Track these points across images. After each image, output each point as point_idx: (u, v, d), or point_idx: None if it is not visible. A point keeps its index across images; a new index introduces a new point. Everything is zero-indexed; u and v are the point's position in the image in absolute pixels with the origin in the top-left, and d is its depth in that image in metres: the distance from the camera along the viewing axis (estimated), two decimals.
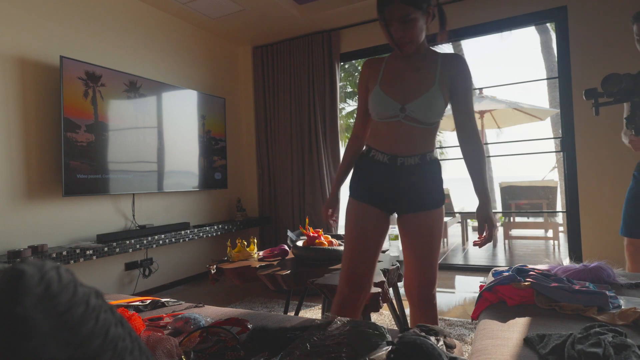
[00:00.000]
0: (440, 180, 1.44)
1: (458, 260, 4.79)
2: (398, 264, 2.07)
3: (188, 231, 3.43)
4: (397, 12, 1.26)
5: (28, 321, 0.39)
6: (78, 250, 2.59)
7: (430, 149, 1.41)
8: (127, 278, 3.28)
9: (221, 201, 4.31)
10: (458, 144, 1.46)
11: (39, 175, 2.73)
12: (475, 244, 1.38)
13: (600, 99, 1.84)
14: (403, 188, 1.39)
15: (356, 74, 12.13)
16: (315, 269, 2.02)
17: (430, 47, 1.44)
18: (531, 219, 6.54)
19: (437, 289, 3.29)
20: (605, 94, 1.79)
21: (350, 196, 1.48)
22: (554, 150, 6.49)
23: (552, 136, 7.82)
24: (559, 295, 1.30)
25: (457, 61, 1.38)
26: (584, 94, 1.88)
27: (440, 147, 12.96)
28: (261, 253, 2.48)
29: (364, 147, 1.49)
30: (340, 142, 4.19)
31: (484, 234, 1.36)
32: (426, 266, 1.42)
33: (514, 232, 5.75)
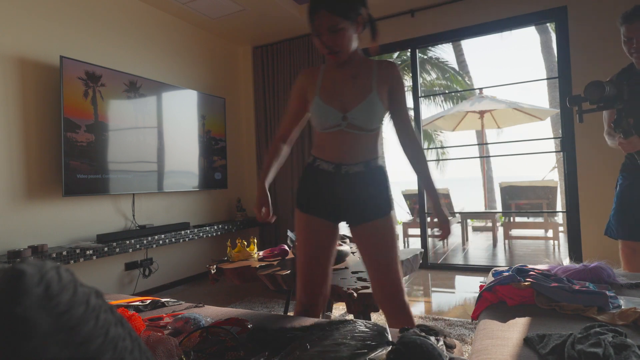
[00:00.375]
0: (385, 187, 1.43)
1: (458, 260, 4.79)
2: None
3: (188, 231, 3.43)
4: (326, 22, 1.29)
5: (28, 321, 0.39)
6: (78, 250, 2.59)
7: (374, 156, 1.42)
8: (127, 278, 3.28)
9: (221, 201, 4.31)
10: (400, 145, 1.48)
11: (39, 175, 2.73)
12: (441, 238, 1.43)
13: (584, 105, 1.83)
14: (348, 197, 1.40)
15: None
16: None
17: (365, 56, 1.48)
18: (531, 219, 6.54)
19: (438, 289, 3.30)
20: (589, 101, 1.78)
21: (297, 208, 1.48)
22: (554, 150, 6.50)
23: (552, 136, 7.82)
24: (559, 295, 1.30)
25: (392, 68, 1.43)
26: (567, 100, 1.86)
27: (442, 147, 12.98)
28: (261, 253, 2.48)
29: (310, 157, 1.48)
30: None
31: (442, 231, 1.42)
32: (386, 277, 1.40)
33: (514, 232, 5.75)
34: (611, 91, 1.74)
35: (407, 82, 12.03)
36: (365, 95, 1.37)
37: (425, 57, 10.49)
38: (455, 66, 10.70)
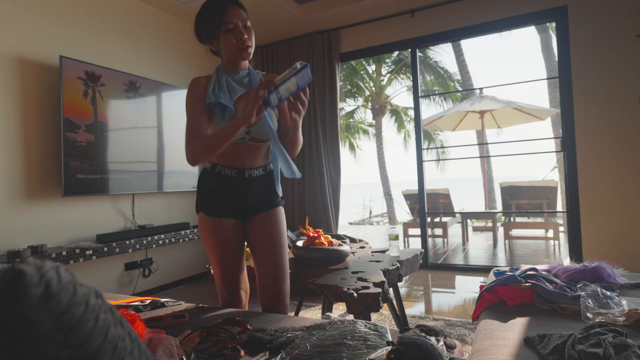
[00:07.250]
0: (275, 185, 1.52)
1: (458, 260, 4.79)
2: (398, 264, 2.07)
3: (188, 231, 3.43)
4: (240, 17, 1.35)
5: (28, 321, 0.39)
6: (78, 250, 2.59)
7: (269, 161, 1.50)
8: (127, 278, 3.28)
9: None
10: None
11: (39, 175, 2.73)
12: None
13: None
14: (250, 195, 1.46)
15: (362, 72, 12.11)
16: (315, 269, 2.02)
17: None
18: (531, 219, 6.54)
19: (438, 289, 3.30)
20: None
21: (202, 212, 1.48)
22: (554, 150, 6.49)
23: (552, 136, 7.82)
24: (559, 299, 1.30)
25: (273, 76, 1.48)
26: None
27: (442, 147, 12.98)
28: None
29: (207, 164, 1.47)
30: (340, 142, 4.18)
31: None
32: (276, 267, 1.48)
33: (514, 232, 5.75)
34: None
35: (407, 82, 12.04)
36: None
37: (422, 56, 10.50)
38: (450, 68, 10.72)
